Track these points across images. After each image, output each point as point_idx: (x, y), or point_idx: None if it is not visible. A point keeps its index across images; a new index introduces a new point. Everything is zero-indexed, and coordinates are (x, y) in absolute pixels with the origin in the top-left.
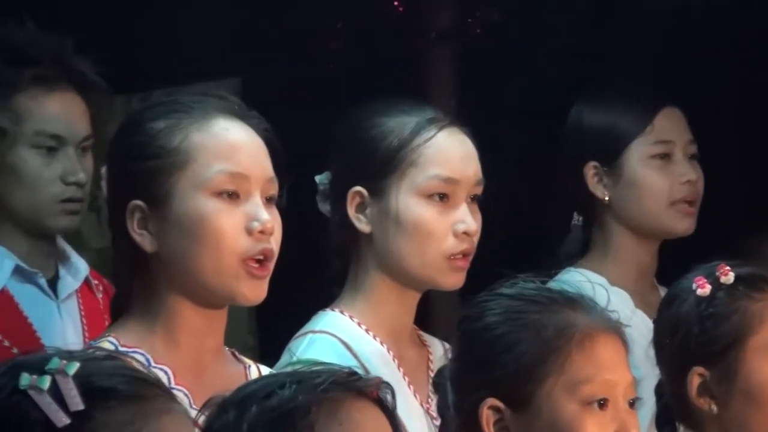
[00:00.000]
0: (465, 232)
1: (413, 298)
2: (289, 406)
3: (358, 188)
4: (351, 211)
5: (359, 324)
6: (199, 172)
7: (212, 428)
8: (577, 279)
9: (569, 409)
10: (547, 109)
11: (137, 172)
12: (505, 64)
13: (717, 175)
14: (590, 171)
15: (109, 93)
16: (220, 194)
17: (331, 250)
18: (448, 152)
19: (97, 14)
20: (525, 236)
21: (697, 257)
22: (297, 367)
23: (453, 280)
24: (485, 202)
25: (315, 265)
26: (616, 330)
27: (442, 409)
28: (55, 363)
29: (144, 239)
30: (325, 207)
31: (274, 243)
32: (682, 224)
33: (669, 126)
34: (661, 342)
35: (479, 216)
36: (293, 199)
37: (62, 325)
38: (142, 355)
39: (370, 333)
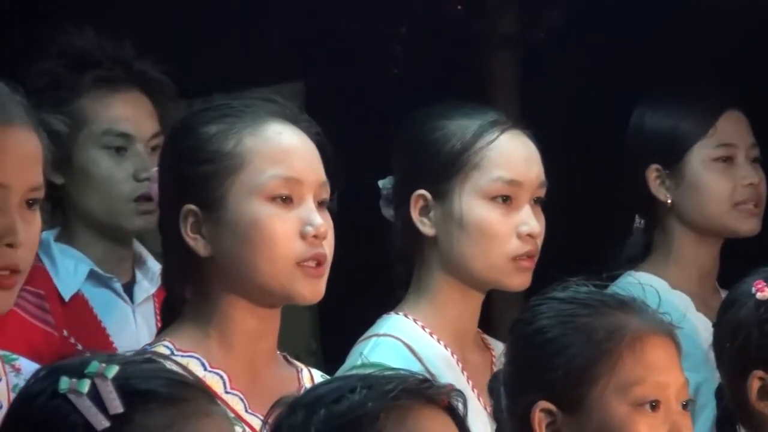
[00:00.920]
0: (529, 234)
1: (477, 300)
2: (358, 412)
3: (422, 191)
4: (415, 214)
5: (423, 327)
6: (252, 176)
7: (281, 428)
8: (633, 283)
9: (621, 411)
10: (609, 111)
11: (190, 177)
12: (567, 67)
13: None
14: (652, 174)
15: (173, 91)
16: (273, 199)
17: (394, 253)
18: (511, 154)
19: (159, 19)
20: (587, 239)
21: (757, 261)
22: (369, 370)
23: (519, 280)
24: (548, 205)
25: (377, 269)
26: (667, 332)
27: (496, 413)
28: (95, 366)
29: (197, 243)
30: (388, 211)
31: (327, 247)
32: (747, 224)
33: (732, 129)
34: (720, 346)
35: (542, 218)
36: (356, 203)
37: (136, 329)
38: (198, 359)
39: (434, 336)
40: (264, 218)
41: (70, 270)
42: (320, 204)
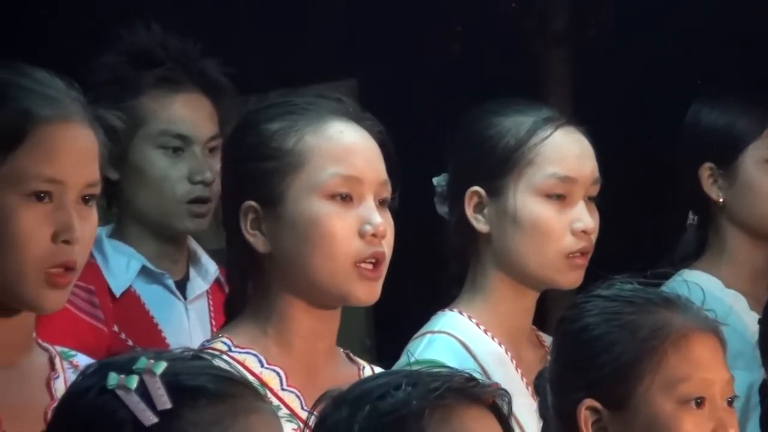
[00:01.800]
0: (583, 231)
1: (531, 298)
2: (403, 411)
3: (476, 188)
4: (469, 211)
5: (477, 324)
6: (313, 174)
7: (325, 423)
8: (682, 282)
9: (666, 409)
10: (661, 108)
11: (251, 173)
12: (619, 65)
13: None
14: (705, 172)
15: (235, 94)
16: (333, 197)
17: (449, 251)
18: (565, 151)
19: (215, 15)
20: (640, 236)
21: None
22: (416, 366)
23: (572, 278)
24: (599, 202)
25: (431, 266)
26: (712, 329)
27: (542, 411)
28: (143, 363)
29: (257, 240)
30: (443, 208)
31: (386, 246)
32: None
33: None
34: (765, 343)
35: (596, 215)
36: (410, 201)
37: (189, 325)
38: (255, 356)
39: (489, 333)
40: (323, 216)
41: (122, 266)
42: (381, 203)
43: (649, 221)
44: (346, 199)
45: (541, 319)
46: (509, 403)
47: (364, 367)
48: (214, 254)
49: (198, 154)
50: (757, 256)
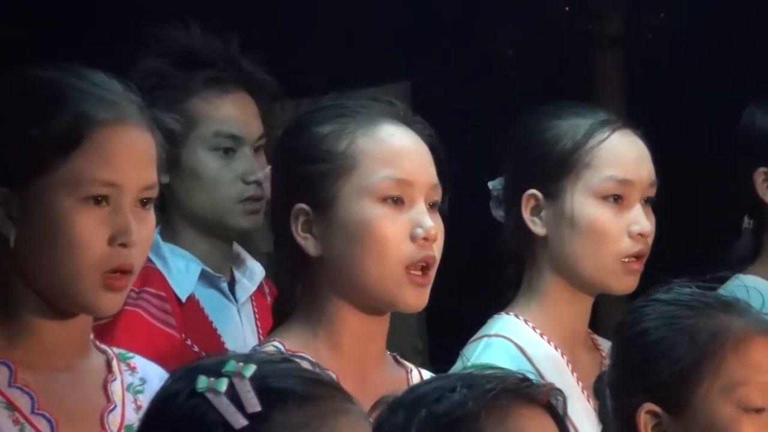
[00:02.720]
0: (640, 233)
1: (587, 302)
2: (458, 413)
3: (533, 191)
4: (526, 214)
5: (534, 328)
6: (364, 177)
7: (381, 428)
8: (739, 286)
9: (726, 412)
10: (716, 112)
11: (302, 176)
12: (673, 68)
13: None
14: (760, 177)
15: (278, 92)
16: (384, 200)
17: (505, 254)
18: (622, 154)
19: (266, 18)
20: (694, 240)
21: None
22: (470, 370)
23: (626, 283)
24: (654, 206)
25: (481, 269)
26: None
27: (602, 415)
28: (232, 365)
29: (308, 243)
30: (498, 212)
31: (437, 250)
32: None
33: None
34: None
35: (653, 218)
36: (461, 204)
37: (242, 328)
38: (307, 359)
39: (545, 337)
40: (374, 219)
41: (182, 270)
42: (432, 206)
43: (703, 225)
44: (397, 202)
45: (593, 324)
46: (564, 403)
47: (411, 370)
48: (266, 257)
49: (249, 154)
50: None
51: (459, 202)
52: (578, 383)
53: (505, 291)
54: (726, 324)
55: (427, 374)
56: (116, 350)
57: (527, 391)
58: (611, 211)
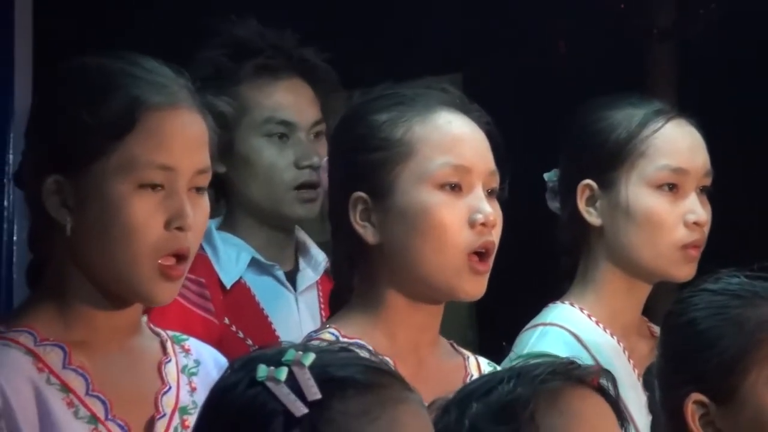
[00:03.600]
0: (696, 222)
1: (644, 291)
2: (509, 398)
3: (588, 181)
4: (581, 204)
5: (589, 316)
6: (422, 164)
7: (436, 429)
8: None
9: None
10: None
11: (360, 164)
12: (725, 60)
13: None
14: None
15: (334, 78)
16: (443, 187)
17: (560, 245)
18: (677, 143)
19: (322, 11)
20: (747, 230)
21: None
22: (517, 362)
23: (686, 270)
24: (712, 195)
25: (532, 259)
26: None
27: (651, 406)
28: (292, 354)
29: (366, 231)
30: (554, 204)
31: (495, 236)
32: None
33: None
34: None
35: (709, 207)
36: (512, 195)
37: (299, 317)
38: (364, 346)
39: (600, 325)
40: (433, 206)
41: (232, 258)
42: (490, 193)
43: (756, 215)
44: (455, 188)
45: (646, 311)
46: (614, 384)
47: (468, 357)
48: (321, 246)
49: (303, 140)
50: None
51: (512, 195)
52: (635, 370)
53: (560, 282)
54: None
55: (484, 361)
56: (170, 333)
57: (576, 373)
58: (666, 200)
